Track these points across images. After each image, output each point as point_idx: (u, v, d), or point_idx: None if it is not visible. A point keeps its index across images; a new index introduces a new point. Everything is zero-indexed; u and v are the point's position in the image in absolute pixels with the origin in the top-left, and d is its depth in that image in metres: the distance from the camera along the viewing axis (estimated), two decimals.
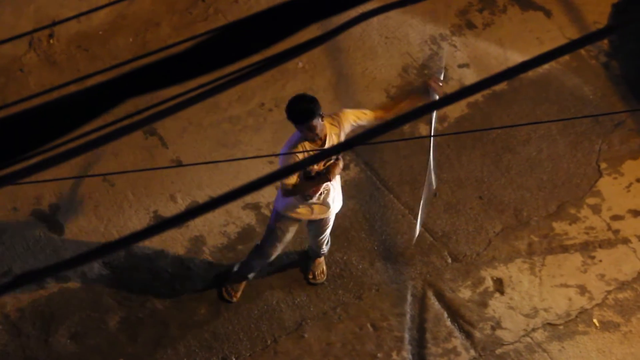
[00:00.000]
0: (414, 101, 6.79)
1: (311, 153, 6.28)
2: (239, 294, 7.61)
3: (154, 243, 7.81)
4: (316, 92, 8.51)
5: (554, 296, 7.73)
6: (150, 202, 8.00)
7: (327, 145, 6.52)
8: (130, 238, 2.22)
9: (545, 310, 7.67)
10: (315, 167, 6.57)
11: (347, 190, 8.07)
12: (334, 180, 6.69)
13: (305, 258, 7.73)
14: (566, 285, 7.78)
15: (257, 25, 2.22)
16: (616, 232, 8.03)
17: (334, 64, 8.77)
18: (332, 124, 6.63)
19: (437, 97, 6.70)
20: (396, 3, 2.43)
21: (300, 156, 6.34)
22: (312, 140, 6.51)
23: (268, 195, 8.02)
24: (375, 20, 9.00)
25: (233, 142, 8.32)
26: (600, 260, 7.90)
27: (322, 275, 7.73)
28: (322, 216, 7.07)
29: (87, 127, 2.44)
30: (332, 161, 6.59)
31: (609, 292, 7.76)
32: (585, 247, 7.96)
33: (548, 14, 9.18)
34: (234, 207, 7.99)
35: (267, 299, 7.64)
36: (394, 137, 7.89)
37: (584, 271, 7.85)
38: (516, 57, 8.85)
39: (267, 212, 7.97)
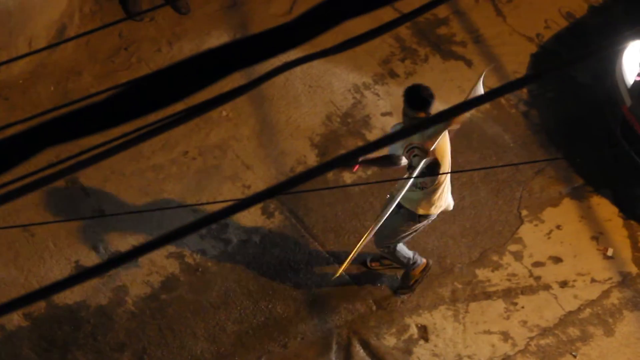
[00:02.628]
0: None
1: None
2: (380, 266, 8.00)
3: (75, 294, 7.69)
4: (240, 140, 8.53)
5: (477, 343, 7.77)
6: (71, 253, 7.89)
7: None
8: (51, 288, 2.18)
9: (469, 357, 7.70)
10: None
11: (272, 238, 8.06)
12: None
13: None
14: (489, 332, 7.83)
15: (181, 73, 2.21)
16: (537, 278, 8.12)
17: (258, 113, 8.79)
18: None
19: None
20: (319, 52, 2.44)
21: None
22: None
23: (192, 244, 7.97)
24: (298, 69, 9.05)
25: (156, 191, 8.26)
26: (523, 307, 7.97)
27: (376, 268, 8.04)
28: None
29: (8, 177, 2.40)
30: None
31: (531, 338, 7.83)
32: (508, 294, 8.03)
33: (469, 63, 9.33)
34: (158, 256, 7.92)
35: (191, 349, 7.56)
36: (317, 186, 7.91)
37: (507, 318, 7.91)
38: (438, 106, 8.94)
39: (191, 261, 7.91)
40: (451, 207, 7.44)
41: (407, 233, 7.42)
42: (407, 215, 7.29)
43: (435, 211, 7.27)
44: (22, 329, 7.53)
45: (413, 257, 7.68)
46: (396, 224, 7.32)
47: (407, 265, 7.71)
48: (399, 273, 7.92)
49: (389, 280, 8.01)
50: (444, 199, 7.25)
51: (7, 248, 7.86)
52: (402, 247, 7.60)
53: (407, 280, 7.83)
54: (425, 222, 7.37)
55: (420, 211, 7.24)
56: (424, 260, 7.77)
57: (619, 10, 9.70)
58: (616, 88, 8.53)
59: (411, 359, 7.66)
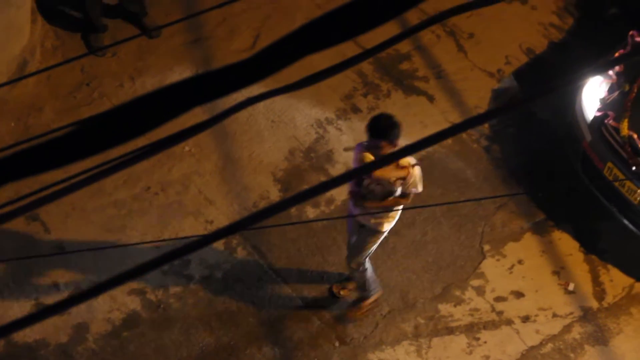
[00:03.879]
0: None
1: None
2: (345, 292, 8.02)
3: (35, 331, 7.60)
4: (203, 176, 8.51)
5: None
6: (31, 290, 7.80)
7: (377, 173, 6.94)
8: (10, 327, 2.15)
9: None
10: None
11: (235, 273, 8.03)
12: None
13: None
14: None
15: (143, 108, 2.20)
16: (500, 313, 8.14)
17: (220, 148, 8.78)
18: (399, 168, 6.95)
19: None
20: (282, 88, 2.44)
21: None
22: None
23: (154, 280, 7.91)
24: (261, 104, 9.06)
25: (118, 226, 8.21)
26: (485, 342, 7.98)
27: (344, 295, 8.05)
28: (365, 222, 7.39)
29: None
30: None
31: None
32: (470, 329, 8.04)
33: (431, 98, 9.39)
34: (119, 293, 7.86)
35: None
36: (281, 221, 7.90)
37: (469, 352, 7.92)
38: (400, 141, 8.98)
39: (152, 297, 7.86)
40: None
41: (374, 248, 7.55)
42: (374, 232, 7.42)
43: (388, 227, 7.47)
44: None
45: (374, 283, 7.82)
46: (365, 243, 7.48)
47: (366, 291, 7.81)
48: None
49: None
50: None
51: None
52: (371, 271, 7.71)
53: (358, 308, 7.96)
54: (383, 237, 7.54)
55: (385, 227, 7.38)
56: (380, 290, 7.91)
57: (577, 47, 9.82)
58: (576, 123, 8.61)
59: None
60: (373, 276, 7.78)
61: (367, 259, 7.60)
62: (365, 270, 7.67)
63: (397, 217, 7.38)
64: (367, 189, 7.10)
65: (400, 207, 7.26)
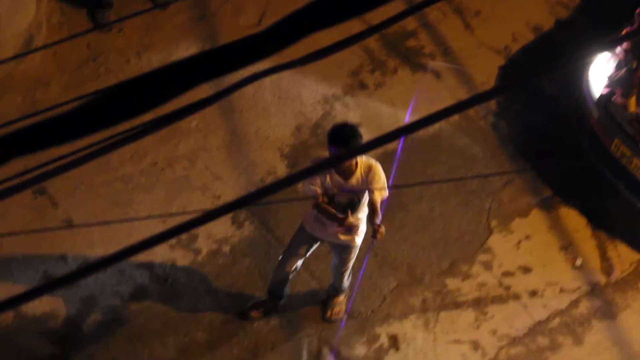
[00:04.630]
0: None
1: None
2: (258, 313, 7.73)
3: (44, 304, 7.65)
4: (210, 151, 8.52)
5: (447, 352, 7.79)
6: (40, 263, 7.84)
7: (353, 181, 6.84)
8: (19, 299, 2.17)
9: None
10: (319, 191, 6.84)
11: (242, 248, 8.05)
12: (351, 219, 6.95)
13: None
14: (459, 342, 7.86)
15: (149, 84, 2.21)
16: (507, 288, 8.16)
17: (227, 124, 8.79)
18: (365, 167, 6.86)
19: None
20: (288, 64, 2.45)
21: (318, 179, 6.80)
22: (339, 170, 6.82)
23: (161, 254, 7.95)
24: (268, 80, 9.06)
25: (125, 201, 8.23)
26: (493, 316, 8.01)
27: (339, 314, 7.80)
28: (335, 240, 7.21)
29: None
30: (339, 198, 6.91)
31: (501, 347, 7.86)
32: (478, 304, 8.06)
33: (438, 75, 9.38)
34: (127, 266, 7.89)
35: (161, 359, 7.54)
36: (288, 196, 7.91)
37: (477, 327, 7.94)
38: (409, 117, 8.99)
39: (160, 271, 7.89)
40: None
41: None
42: (350, 247, 7.34)
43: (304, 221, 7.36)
44: None
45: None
46: (348, 260, 7.44)
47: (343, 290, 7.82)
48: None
49: (359, 289, 8.01)
50: None
51: None
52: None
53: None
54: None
55: (357, 241, 7.30)
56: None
57: (584, 24, 9.79)
58: (583, 101, 8.59)
59: None
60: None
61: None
62: (349, 277, 7.66)
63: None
64: (335, 202, 6.96)
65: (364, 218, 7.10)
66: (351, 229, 7.07)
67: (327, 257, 8.10)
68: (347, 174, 6.84)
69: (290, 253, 7.37)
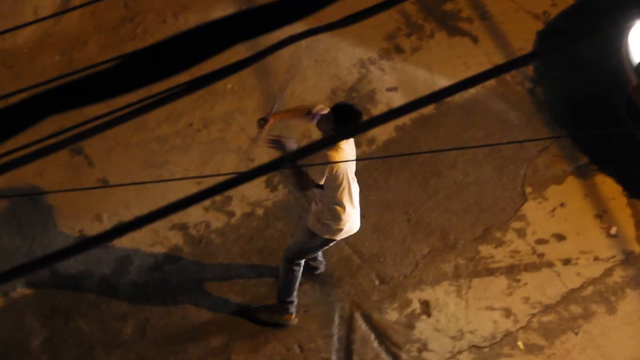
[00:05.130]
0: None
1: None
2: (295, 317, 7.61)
3: (78, 262, 7.72)
4: (245, 113, 8.52)
5: (479, 319, 7.79)
6: (75, 222, 7.91)
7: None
8: (55, 257, 2.19)
9: (471, 332, 7.73)
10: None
11: (276, 211, 8.07)
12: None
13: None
14: (492, 308, 7.85)
15: (186, 44, 2.21)
16: (541, 255, 8.13)
17: (263, 86, 8.78)
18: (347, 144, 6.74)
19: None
20: (325, 26, 2.44)
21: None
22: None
23: (196, 215, 7.98)
24: (304, 43, 9.03)
25: (160, 162, 8.27)
26: (525, 284, 7.99)
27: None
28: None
29: (12, 145, 2.41)
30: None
31: (533, 315, 7.85)
32: (511, 271, 8.04)
33: (475, 40, 9.31)
34: (161, 227, 7.94)
35: (194, 320, 7.59)
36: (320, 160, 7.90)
37: (510, 294, 7.93)
38: (443, 82, 8.95)
39: (194, 232, 7.93)
40: (354, 230, 7.14)
41: (308, 251, 7.25)
42: (305, 230, 7.16)
43: (323, 233, 7.01)
44: (26, 297, 7.56)
45: (292, 298, 7.47)
46: (299, 238, 7.29)
47: (280, 300, 7.51)
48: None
49: (391, 255, 8.03)
50: (347, 223, 6.99)
51: (11, 216, 7.88)
52: (295, 280, 7.38)
53: (272, 314, 7.62)
54: (319, 243, 7.14)
55: (312, 228, 7.07)
56: (294, 317, 7.57)
57: None
58: (622, 67, 8.50)
59: (413, 333, 7.69)
60: (293, 290, 7.45)
61: (298, 262, 7.32)
62: (291, 270, 7.34)
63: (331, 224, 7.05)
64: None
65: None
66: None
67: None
68: None
69: (309, 256, 7.32)
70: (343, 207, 6.84)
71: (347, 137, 6.56)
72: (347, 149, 6.71)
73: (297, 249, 7.23)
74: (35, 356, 7.36)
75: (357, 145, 8.43)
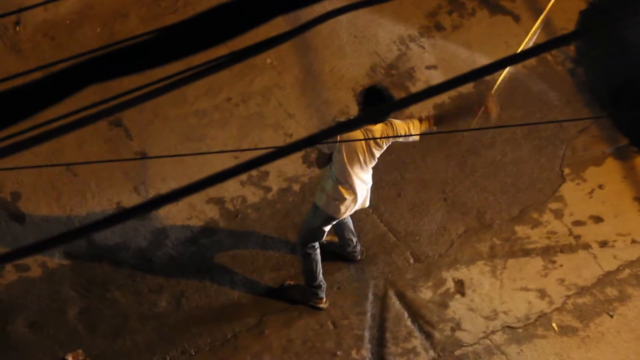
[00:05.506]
0: (462, 116, 6.86)
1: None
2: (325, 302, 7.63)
3: (115, 234, 7.78)
4: (284, 89, 8.52)
5: (514, 299, 7.78)
6: (113, 193, 7.96)
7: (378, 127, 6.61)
8: (92, 227, 2.20)
9: (505, 313, 7.71)
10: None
11: (312, 187, 8.08)
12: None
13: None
14: (526, 289, 7.83)
15: (225, 17, 2.21)
16: (577, 237, 8.09)
17: (302, 62, 8.77)
18: (384, 128, 6.64)
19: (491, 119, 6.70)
20: (365, 2, 2.43)
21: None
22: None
23: (232, 190, 8.01)
24: (344, 18, 9.02)
25: (199, 136, 8.30)
26: (561, 265, 7.95)
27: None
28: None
29: (52, 115, 2.42)
30: None
31: (568, 296, 7.82)
32: (547, 252, 8.01)
33: (517, 18, 9.24)
34: (198, 201, 7.97)
35: (229, 294, 7.63)
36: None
37: (545, 275, 7.90)
38: (484, 60, 8.89)
39: (230, 206, 7.96)
40: (357, 208, 7.06)
41: (315, 230, 7.14)
42: (312, 206, 7.15)
43: (328, 209, 6.94)
44: (63, 267, 7.64)
45: (318, 282, 7.44)
46: (306, 216, 7.27)
47: (308, 285, 7.50)
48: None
49: (427, 234, 8.02)
50: (347, 200, 6.91)
51: (50, 187, 7.95)
52: (314, 265, 7.34)
53: (303, 295, 7.62)
54: (322, 220, 7.05)
55: (317, 202, 7.01)
56: (324, 301, 7.59)
57: None
58: None
59: (447, 312, 7.69)
60: (319, 270, 7.42)
61: (312, 245, 7.27)
62: (307, 255, 7.32)
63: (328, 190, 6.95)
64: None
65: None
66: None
67: (395, 200, 8.10)
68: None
69: (319, 237, 7.23)
70: (347, 185, 6.80)
71: (382, 115, 6.48)
72: (372, 129, 6.62)
73: (305, 230, 7.19)
74: (72, 326, 7.44)
75: None
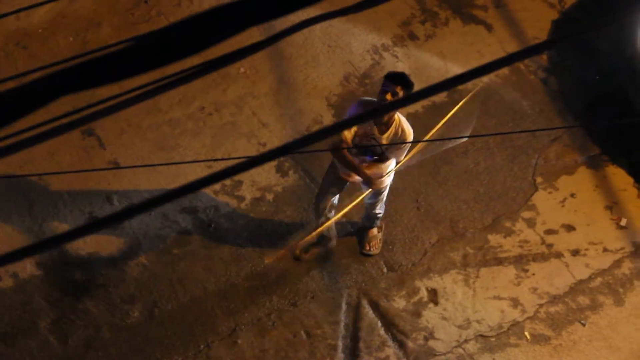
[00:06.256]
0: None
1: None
2: (309, 255, 7.82)
3: (88, 244, 7.74)
4: (257, 98, 8.52)
5: (487, 308, 7.79)
6: (85, 203, 7.92)
7: (385, 136, 6.86)
8: (64, 237, 2.19)
9: (478, 322, 7.73)
10: (349, 136, 6.84)
11: (285, 197, 8.07)
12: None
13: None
14: (499, 298, 7.85)
15: (199, 27, 2.21)
16: (550, 246, 8.12)
17: (276, 70, 8.77)
18: (400, 127, 6.87)
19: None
20: (339, 11, 2.43)
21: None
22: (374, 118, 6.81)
23: (205, 199, 7.99)
24: (318, 27, 9.03)
25: (172, 145, 8.27)
26: (534, 274, 7.98)
27: (377, 248, 7.93)
28: (363, 184, 7.32)
29: (24, 125, 2.41)
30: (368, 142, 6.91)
31: (540, 305, 7.84)
32: (519, 260, 8.04)
33: (489, 28, 9.28)
34: (171, 210, 7.95)
35: (202, 304, 7.60)
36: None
37: (517, 284, 7.92)
38: (457, 69, 8.93)
39: (204, 216, 7.94)
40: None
41: (321, 188, 7.54)
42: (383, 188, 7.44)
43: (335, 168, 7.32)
44: (35, 278, 7.59)
45: (319, 211, 7.69)
46: (381, 193, 7.53)
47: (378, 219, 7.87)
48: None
49: (400, 243, 8.02)
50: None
51: (22, 197, 7.90)
52: (319, 214, 7.63)
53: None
54: (328, 179, 7.43)
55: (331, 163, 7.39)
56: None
57: None
58: (637, 57, 8.48)
59: (420, 321, 7.69)
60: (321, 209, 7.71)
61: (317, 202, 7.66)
62: (382, 207, 7.74)
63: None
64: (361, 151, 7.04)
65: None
66: (374, 178, 7.11)
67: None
68: (386, 127, 6.85)
69: (323, 191, 7.49)
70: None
71: (357, 122, 6.60)
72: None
73: (381, 200, 7.55)
74: (43, 337, 7.39)
75: None
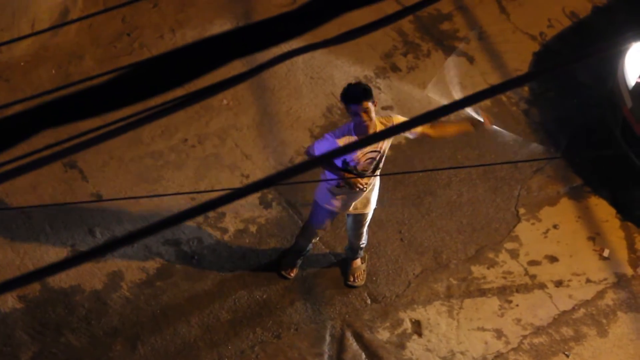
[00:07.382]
0: (461, 129, 7.24)
1: None
2: (294, 272, 7.83)
3: (70, 277, 7.70)
4: (240, 130, 8.53)
5: (470, 339, 7.78)
6: (68, 236, 7.89)
7: (380, 144, 6.89)
8: (46, 271, 2.18)
9: (462, 353, 7.71)
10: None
11: (269, 229, 8.06)
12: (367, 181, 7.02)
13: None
14: (483, 329, 7.84)
15: (182, 59, 2.21)
16: (533, 277, 8.13)
17: (258, 102, 8.79)
18: (383, 124, 6.81)
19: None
20: (321, 43, 2.44)
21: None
22: (361, 131, 6.71)
23: (188, 231, 7.97)
24: (300, 59, 9.06)
25: (154, 177, 8.26)
26: (517, 305, 7.98)
27: (361, 279, 7.91)
28: (356, 212, 7.32)
29: (5, 157, 2.40)
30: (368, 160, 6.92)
31: (524, 336, 7.83)
32: (503, 292, 8.04)
33: (471, 60, 9.33)
34: (154, 242, 7.92)
35: (185, 336, 7.56)
36: (316, 177, 7.91)
37: (501, 315, 7.92)
38: (439, 101, 8.96)
39: (187, 248, 7.92)
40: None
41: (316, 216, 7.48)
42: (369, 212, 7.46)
43: (322, 202, 7.28)
44: (16, 311, 7.54)
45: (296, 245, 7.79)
46: (367, 219, 7.52)
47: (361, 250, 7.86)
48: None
49: (384, 274, 8.02)
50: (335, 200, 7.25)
51: (3, 229, 7.86)
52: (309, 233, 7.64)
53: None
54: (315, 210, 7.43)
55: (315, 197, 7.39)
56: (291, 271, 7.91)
57: (622, 11, 9.70)
58: (617, 89, 8.53)
59: (404, 353, 7.67)
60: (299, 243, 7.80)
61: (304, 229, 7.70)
62: (366, 238, 7.76)
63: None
64: (359, 171, 6.98)
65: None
66: (371, 193, 7.17)
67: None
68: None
69: (314, 228, 7.50)
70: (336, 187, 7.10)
71: (345, 152, 6.62)
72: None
73: (365, 228, 7.58)
74: None
75: None
